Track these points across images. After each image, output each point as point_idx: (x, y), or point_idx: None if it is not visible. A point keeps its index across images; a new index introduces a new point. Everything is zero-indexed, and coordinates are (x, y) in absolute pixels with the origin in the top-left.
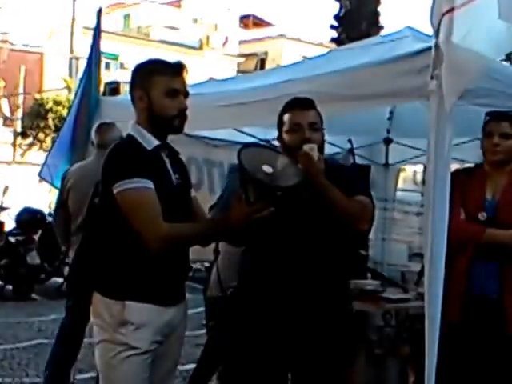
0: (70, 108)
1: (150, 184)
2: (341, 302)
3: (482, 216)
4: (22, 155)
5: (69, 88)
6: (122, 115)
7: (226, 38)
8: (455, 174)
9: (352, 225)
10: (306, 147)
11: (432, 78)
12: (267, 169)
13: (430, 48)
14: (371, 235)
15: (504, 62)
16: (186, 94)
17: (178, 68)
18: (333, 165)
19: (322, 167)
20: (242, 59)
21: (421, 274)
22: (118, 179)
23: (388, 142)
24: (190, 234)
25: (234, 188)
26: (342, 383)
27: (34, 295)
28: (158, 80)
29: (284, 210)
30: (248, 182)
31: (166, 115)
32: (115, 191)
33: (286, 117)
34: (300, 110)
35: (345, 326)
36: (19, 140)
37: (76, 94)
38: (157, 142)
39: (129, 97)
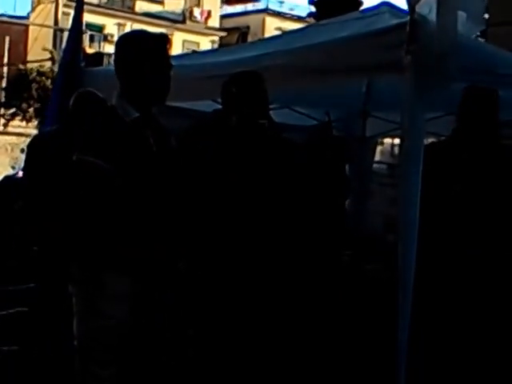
0: (53, 79)
1: (102, 161)
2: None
3: (458, 187)
4: (5, 125)
5: (53, 59)
6: (104, 85)
7: (209, 12)
8: (430, 147)
9: None
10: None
11: (407, 53)
12: None
13: (405, 23)
14: (348, 207)
15: (480, 39)
16: (170, 67)
17: (162, 41)
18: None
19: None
20: (225, 33)
21: (395, 244)
22: (78, 149)
23: (365, 115)
24: None
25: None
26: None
27: (15, 263)
28: (145, 54)
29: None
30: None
31: (151, 89)
32: (73, 158)
33: (236, 89)
34: (252, 84)
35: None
36: (2, 110)
37: (60, 66)
38: (136, 115)
39: (111, 67)
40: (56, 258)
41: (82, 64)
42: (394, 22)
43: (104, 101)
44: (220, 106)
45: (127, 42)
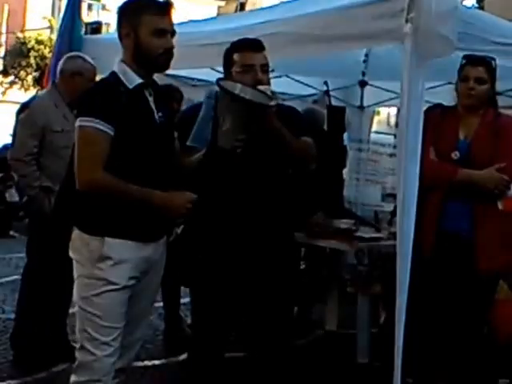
0: (51, 47)
1: (106, 127)
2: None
3: (455, 155)
4: (3, 93)
5: (51, 27)
6: (103, 53)
7: None
8: (430, 110)
9: (300, 163)
10: (261, 88)
11: (406, 21)
12: (244, 94)
13: None
14: (346, 176)
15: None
16: (173, 33)
17: (165, 7)
18: (281, 106)
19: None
20: (223, 3)
21: (393, 213)
22: (81, 114)
23: (363, 84)
24: (122, 193)
25: (207, 114)
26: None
27: (12, 232)
28: (146, 18)
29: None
30: (226, 110)
31: (152, 54)
32: (76, 124)
33: (237, 57)
34: (252, 52)
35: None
36: (1, 78)
37: (58, 34)
38: (139, 80)
39: (111, 35)
40: (56, 223)
41: (82, 32)
42: None
43: (93, 67)
44: (219, 74)
45: (130, 6)
